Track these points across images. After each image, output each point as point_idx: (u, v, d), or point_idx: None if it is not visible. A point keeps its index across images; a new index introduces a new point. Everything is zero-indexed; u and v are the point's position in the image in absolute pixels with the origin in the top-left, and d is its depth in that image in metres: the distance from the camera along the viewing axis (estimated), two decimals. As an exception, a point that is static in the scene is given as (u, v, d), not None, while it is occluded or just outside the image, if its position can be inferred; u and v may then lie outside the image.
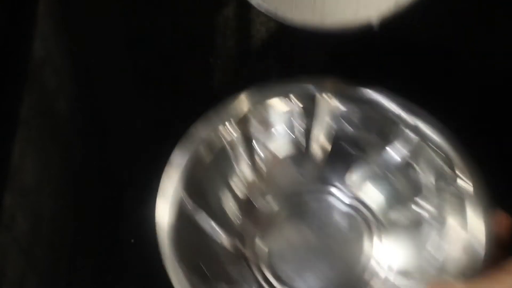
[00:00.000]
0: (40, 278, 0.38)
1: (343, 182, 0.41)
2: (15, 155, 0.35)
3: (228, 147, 0.39)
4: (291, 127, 0.41)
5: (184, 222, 0.35)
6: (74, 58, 0.47)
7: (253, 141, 0.41)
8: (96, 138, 0.40)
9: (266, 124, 0.41)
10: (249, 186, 0.41)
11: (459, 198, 0.36)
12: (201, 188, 0.38)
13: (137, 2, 0.54)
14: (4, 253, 0.33)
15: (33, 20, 0.40)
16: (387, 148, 0.40)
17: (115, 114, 0.41)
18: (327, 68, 0.51)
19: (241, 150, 0.40)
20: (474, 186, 0.36)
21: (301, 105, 0.40)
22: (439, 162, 0.38)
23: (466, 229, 0.35)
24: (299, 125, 0.41)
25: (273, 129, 0.41)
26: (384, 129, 0.40)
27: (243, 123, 0.39)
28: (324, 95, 0.40)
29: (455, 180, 0.37)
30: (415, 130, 0.39)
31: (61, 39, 0.45)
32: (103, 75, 0.50)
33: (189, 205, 0.36)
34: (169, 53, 0.51)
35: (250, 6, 0.53)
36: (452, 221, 0.36)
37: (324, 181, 0.41)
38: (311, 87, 0.40)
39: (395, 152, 0.40)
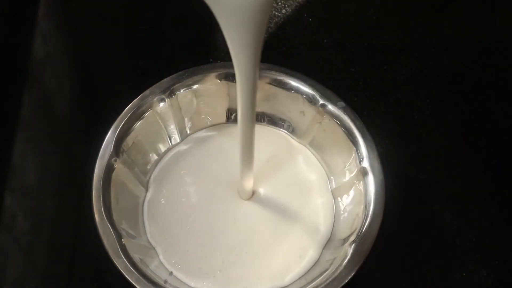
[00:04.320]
0: (40, 278, 0.38)
1: None
2: (15, 155, 0.35)
3: (159, 119, 0.43)
4: (215, 105, 0.45)
5: (113, 181, 0.39)
6: (74, 58, 0.47)
7: (184, 117, 0.44)
8: (96, 138, 0.40)
9: (196, 101, 0.44)
10: None
11: (361, 173, 0.40)
12: (132, 153, 0.42)
13: (137, 2, 0.54)
14: (4, 253, 0.33)
15: (33, 20, 0.40)
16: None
17: (115, 114, 0.41)
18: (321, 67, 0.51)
19: (172, 121, 0.44)
20: (371, 163, 0.40)
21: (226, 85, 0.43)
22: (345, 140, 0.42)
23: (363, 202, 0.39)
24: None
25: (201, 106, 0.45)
26: (298, 109, 0.44)
27: (174, 99, 0.42)
28: None
29: (360, 161, 0.40)
30: (323, 107, 0.42)
31: (61, 39, 0.45)
32: (103, 75, 0.50)
33: (118, 164, 0.40)
34: (169, 53, 0.51)
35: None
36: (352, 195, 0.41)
37: None
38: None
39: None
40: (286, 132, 0.46)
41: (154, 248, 0.41)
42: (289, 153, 0.45)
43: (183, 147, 0.45)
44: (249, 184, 0.41)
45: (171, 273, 0.40)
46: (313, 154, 0.45)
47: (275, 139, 0.46)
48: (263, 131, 0.46)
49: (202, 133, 0.46)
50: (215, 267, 0.40)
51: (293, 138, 0.46)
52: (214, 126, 0.46)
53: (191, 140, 0.45)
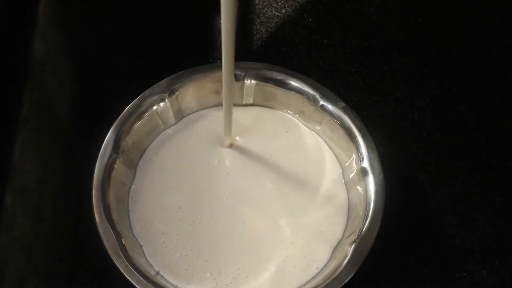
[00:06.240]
0: (40, 278, 0.38)
1: None
2: (15, 155, 0.35)
3: (157, 117, 0.43)
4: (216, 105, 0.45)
5: (113, 181, 0.39)
6: (74, 58, 0.47)
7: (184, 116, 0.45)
8: (96, 138, 0.40)
9: (196, 101, 0.44)
10: None
11: (361, 173, 0.40)
12: (132, 153, 0.42)
13: (137, 2, 0.54)
14: (4, 253, 0.33)
15: (33, 20, 0.40)
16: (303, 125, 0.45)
17: (115, 114, 0.41)
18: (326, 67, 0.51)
19: (172, 121, 0.44)
20: (370, 160, 0.40)
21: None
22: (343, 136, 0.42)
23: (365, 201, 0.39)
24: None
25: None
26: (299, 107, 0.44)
27: (174, 98, 0.42)
28: (246, 77, 0.43)
29: (361, 160, 0.40)
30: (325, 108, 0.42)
31: (61, 39, 0.45)
32: (103, 76, 0.50)
33: (118, 164, 0.40)
34: (169, 53, 0.51)
35: (250, 6, 0.54)
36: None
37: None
38: (237, 71, 0.42)
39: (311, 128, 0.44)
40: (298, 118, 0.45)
41: (141, 246, 0.40)
42: (303, 137, 0.45)
43: (170, 130, 0.44)
44: (228, 137, 0.41)
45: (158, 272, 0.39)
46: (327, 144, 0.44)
47: (287, 124, 0.45)
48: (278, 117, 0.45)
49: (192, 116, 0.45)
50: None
51: (304, 124, 0.45)
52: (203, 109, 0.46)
53: (182, 122, 0.45)
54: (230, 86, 0.36)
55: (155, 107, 0.42)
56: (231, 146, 0.43)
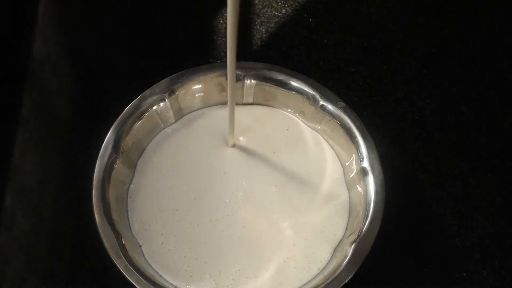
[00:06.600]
0: (40, 278, 0.38)
1: None
2: (15, 155, 0.35)
3: (157, 117, 0.43)
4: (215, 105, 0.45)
5: (113, 181, 0.39)
6: (74, 58, 0.47)
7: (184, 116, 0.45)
8: (96, 138, 0.40)
9: (196, 101, 0.44)
10: None
11: (361, 173, 0.40)
12: (132, 153, 0.42)
13: (137, 2, 0.54)
14: (4, 253, 0.33)
15: (33, 20, 0.40)
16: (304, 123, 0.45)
17: (115, 114, 0.41)
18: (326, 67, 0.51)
19: (173, 121, 0.44)
20: (370, 160, 0.40)
21: (225, 86, 0.43)
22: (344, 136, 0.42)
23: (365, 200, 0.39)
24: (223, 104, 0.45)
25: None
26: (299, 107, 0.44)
27: (174, 98, 0.42)
28: (246, 77, 0.43)
29: (361, 159, 0.40)
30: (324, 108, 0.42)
31: (61, 39, 0.45)
32: (103, 76, 0.50)
33: (118, 164, 0.40)
34: (169, 53, 0.51)
35: (250, 6, 0.54)
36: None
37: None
38: (237, 71, 0.42)
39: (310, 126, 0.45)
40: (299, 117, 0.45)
41: (140, 246, 0.40)
42: (304, 136, 0.44)
43: (169, 129, 0.44)
44: (232, 137, 0.41)
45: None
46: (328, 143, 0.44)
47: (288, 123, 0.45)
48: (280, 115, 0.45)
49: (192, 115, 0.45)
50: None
51: (304, 122, 0.45)
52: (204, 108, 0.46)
53: (181, 121, 0.45)
54: (233, 85, 0.36)
55: (155, 107, 0.42)
56: (234, 146, 0.43)
